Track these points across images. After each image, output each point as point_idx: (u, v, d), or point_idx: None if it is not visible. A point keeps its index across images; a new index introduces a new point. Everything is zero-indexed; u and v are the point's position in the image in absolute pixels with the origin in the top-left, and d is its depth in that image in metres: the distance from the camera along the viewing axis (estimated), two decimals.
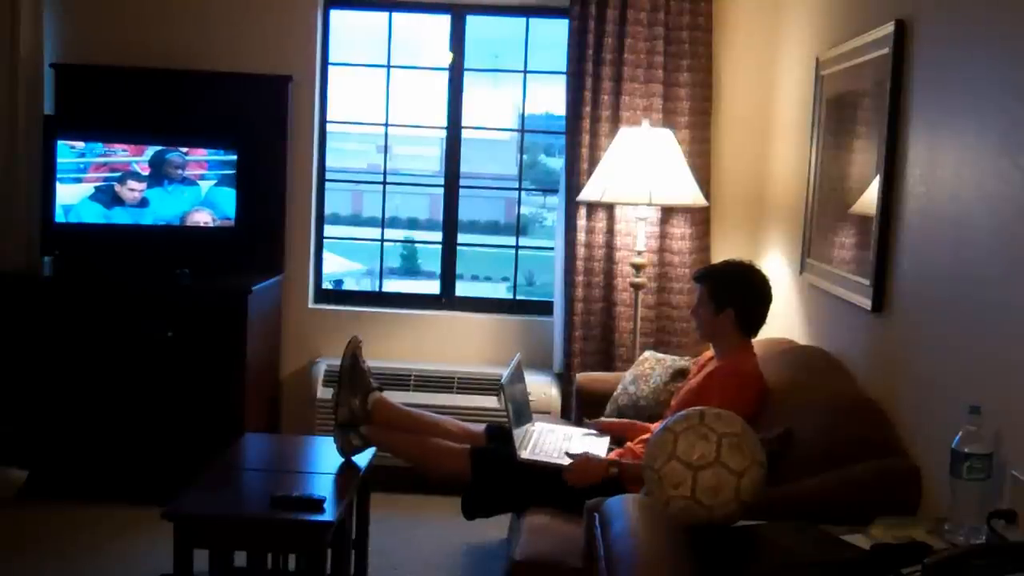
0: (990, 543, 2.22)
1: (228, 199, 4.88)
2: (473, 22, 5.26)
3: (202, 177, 4.88)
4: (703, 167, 4.92)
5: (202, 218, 4.88)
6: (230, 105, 4.97)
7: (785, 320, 4.43)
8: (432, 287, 5.46)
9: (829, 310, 3.85)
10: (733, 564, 2.26)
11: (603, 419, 3.99)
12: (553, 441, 3.74)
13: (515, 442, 3.56)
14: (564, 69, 4.95)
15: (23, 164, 4.81)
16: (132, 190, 4.83)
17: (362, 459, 3.70)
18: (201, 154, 4.88)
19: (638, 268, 4.69)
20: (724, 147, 5.05)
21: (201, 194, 4.88)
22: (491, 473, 3.57)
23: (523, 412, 3.84)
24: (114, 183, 4.83)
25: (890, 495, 2.70)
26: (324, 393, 4.87)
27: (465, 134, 5.30)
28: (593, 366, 4.90)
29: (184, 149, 4.86)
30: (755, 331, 3.65)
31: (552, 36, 5.22)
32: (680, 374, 4.13)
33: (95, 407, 4.62)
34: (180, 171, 4.85)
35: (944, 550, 2.14)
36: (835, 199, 3.80)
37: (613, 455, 3.59)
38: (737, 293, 3.58)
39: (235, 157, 4.86)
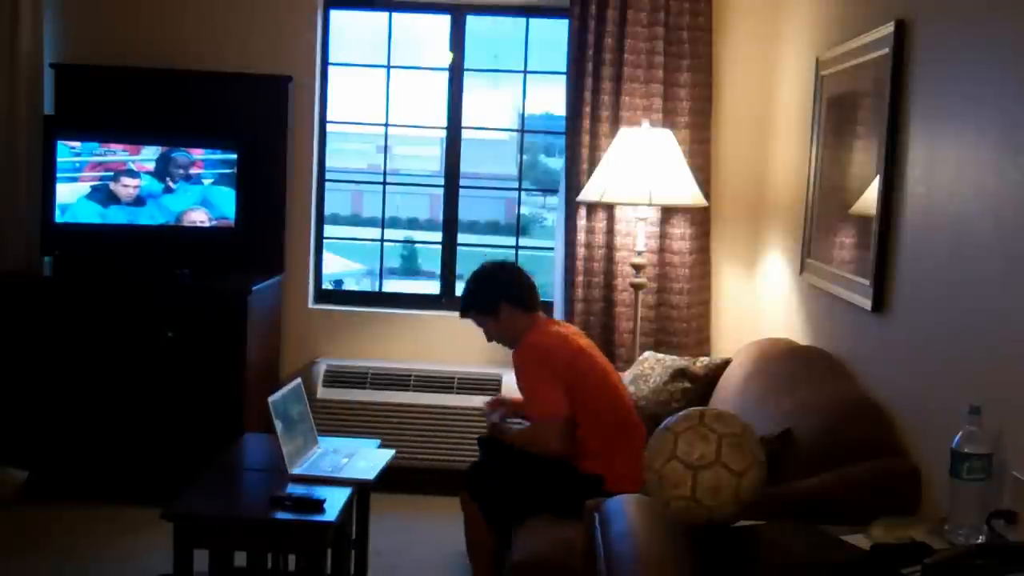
0: (990, 543, 2.22)
1: (225, 198, 4.88)
2: (473, 22, 5.26)
3: (200, 176, 4.88)
4: (703, 167, 4.91)
5: (198, 217, 4.87)
6: (230, 105, 4.97)
7: (785, 320, 4.43)
8: (432, 287, 5.46)
9: (829, 310, 3.85)
10: (733, 564, 2.26)
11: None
12: (331, 460, 3.57)
13: (284, 458, 3.41)
14: (564, 69, 4.95)
15: (23, 164, 4.81)
16: (126, 186, 4.82)
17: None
18: (198, 153, 4.87)
19: (638, 268, 4.68)
20: (724, 147, 5.05)
21: (199, 193, 4.88)
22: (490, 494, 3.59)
23: (303, 432, 3.63)
24: (109, 182, 4.83)
25: (890, 495, 2.69)
26: (324, 393, 4.87)
27: (465, 134, 5.30)
28: None
29: (183, 149, 4.85)
30: (532, 303, 3.78)
31: (552, 36, 5.22)
32: (680, 374, 4.13)
33: (95, 407, 4.62)
34: (184, 171, 4.84)
35: (944, 550, 2.14)
36: (835, 199, 3.80)
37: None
38: (492, 287, 3.74)
39: (234, 157, 4.86)
